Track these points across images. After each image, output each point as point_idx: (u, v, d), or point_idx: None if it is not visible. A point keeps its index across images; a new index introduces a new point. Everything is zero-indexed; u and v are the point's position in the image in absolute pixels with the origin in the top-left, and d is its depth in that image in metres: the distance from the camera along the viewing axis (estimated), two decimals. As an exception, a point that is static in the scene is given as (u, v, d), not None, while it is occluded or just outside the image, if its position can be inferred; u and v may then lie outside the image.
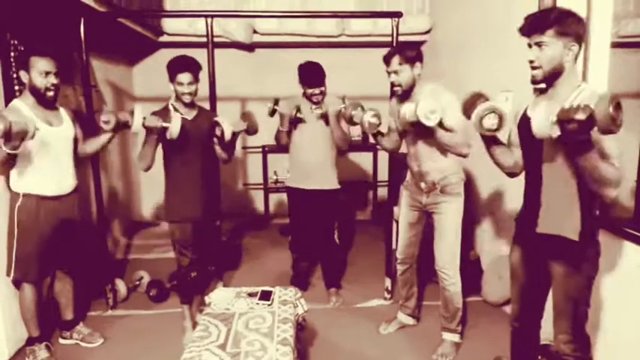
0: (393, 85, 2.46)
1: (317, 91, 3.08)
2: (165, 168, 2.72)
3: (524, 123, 1.82)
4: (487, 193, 3.46)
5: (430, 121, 2.14)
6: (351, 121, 2.68)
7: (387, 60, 2.43)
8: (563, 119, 1.43)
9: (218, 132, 2.60)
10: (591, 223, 1.71)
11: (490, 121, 1.75)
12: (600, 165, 1.51)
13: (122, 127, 2.51)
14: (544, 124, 1.49)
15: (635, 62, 2.56)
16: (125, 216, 4.82)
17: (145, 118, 2.44)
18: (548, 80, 1.70)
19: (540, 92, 1.80)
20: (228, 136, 2.60)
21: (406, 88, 2.43)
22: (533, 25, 1.66)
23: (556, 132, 1.47)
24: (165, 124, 2.44)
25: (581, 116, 1.38)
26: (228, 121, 2.63)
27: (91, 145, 2.69)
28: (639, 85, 2.45)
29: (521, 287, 1.98)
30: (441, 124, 2.21)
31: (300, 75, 3.13)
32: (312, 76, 3.09)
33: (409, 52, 2.41)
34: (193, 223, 2.71)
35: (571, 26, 1.62)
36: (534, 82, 1.73)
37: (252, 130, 2.78)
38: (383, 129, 2.64)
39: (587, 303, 1.79)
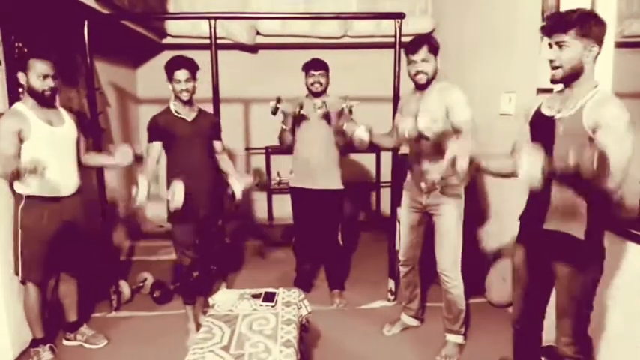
0: (417, 73, 2.42)
1: (316, 73, 3.10)
2: (167, 169, 2.72)
3: (538, 119, 1.82)
4: (491, 193, 3.46)
5: (431, 131, 2.21)
6: (342, 133, 2.78)
7: (414, 48, 2.40)
8: (551, 172, 1.50)
9: (229, 192, 2.71)
10: (597, 224, 1.71)
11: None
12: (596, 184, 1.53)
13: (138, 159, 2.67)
14: (534, 174, 1.52)
15: (639, 62, 2.55)
16: (129, 217, 4.82)
17: (149, 187, 2.48)
18: (566, 80, 1.71)
19: (558, 91, 1.80)
20: (238, 196, 2.71)
21: (430, 78, 2.43)
22: (556, 25, 1.68)
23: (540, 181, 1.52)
24: (168, 198, 2.48)
25: (567, 171, 1.45)
26: (239, 181, 2.71)
27: (94, 160, 2.74)
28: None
29: (523, 288, 1.98)
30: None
31: (304, 67, 3.18)
32: (314, 61, 3.15)
33: (435, 43, 2.44)
34: (195, 224, 2.71)
35: (592, 28, 1.63)
36: (553, 81, 1.73)
37: (262, 186, 2.85)
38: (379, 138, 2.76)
39: (590, 305, 1.78)
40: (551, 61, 1.70)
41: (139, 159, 2.71)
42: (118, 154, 2.63)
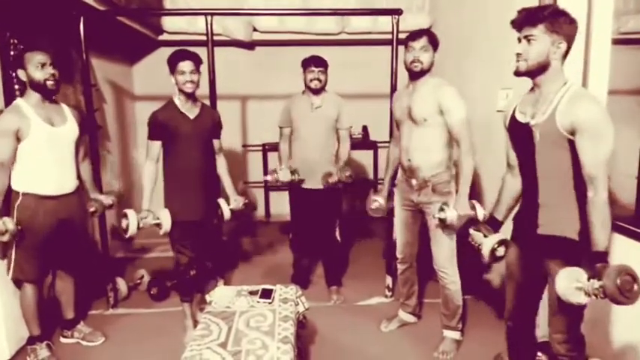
0: (413, 61, 2.43)
1: (316, 69, 3.10)
2: (164, 167, 2.71)
3: (514, 125, 1.82)
4: (487, 191, 3.46)
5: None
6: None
7: (415, 36, 2.44)
8: (588, 293, 1.50)
9: (219, 212, 2.86)
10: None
11: (501, 252, 1.92)
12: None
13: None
14: (569, 290, 1.53)
15: (636, 58, 2.55)
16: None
17: (140, 220, 2.56)
18: (531, 74, 1.72)
19: (529, 89, 1.80)
20: (227, 217, 2.88)
21: (425, 69, 2.44)
22: (526, 18, 1.68)
23: (583, 299, 1.53)
24: (157, 222, 2.59)
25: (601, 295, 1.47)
26: (227, 206, 2.87)
27: (84, 174, 2.72)
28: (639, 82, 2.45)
29: (516, 286, 1.98)
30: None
31: (303, 62, 3.17)
32: (314, 57, 3.14)
33: (436, 37, 2.47)
34: (192, 222, 2.70)
35: (562, 25, 1.64)
36: (517, 73, 1.74)
37: (251, 207, 2.92)
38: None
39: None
40: (518, 55, 1.70)
41: (109, 207, 2.82)
42: (103, 197, 2.77)
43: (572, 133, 1.60)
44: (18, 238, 2.37)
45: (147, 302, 3.30)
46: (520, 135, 1.79)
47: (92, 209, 2.70)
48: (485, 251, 1.91)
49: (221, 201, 2.86)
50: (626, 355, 2.18)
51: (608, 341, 2.26)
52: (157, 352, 2.67)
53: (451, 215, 2.30)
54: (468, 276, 2.76)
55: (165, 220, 2.58)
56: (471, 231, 1.99)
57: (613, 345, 2.24)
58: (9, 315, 2.56)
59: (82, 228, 2.71)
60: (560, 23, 1.63)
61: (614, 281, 1.42)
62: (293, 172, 3.17)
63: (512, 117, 1.83)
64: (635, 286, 1.45)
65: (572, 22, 1.66)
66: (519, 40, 1.71)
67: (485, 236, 1.94)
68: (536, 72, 1.70)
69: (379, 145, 5.00)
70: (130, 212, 2.55)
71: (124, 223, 2.56)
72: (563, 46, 1.65)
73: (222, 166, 2.92)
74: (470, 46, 3.69)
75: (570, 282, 1.53)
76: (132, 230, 2.53)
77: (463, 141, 2.37)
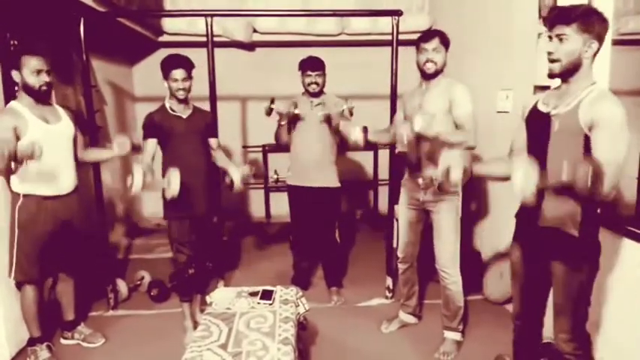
0: (426, 62, 2.46)
1: (313, 74, 3.10)
2: (162, 166, 2.72)
3: (534, 114, 1.82)
4: (489, 190, 3.46)
5: (429, 130, 2.28)
6: (338, 133, 2.89)
7: (427, 37, 2.47)
8: (544, 187, 1.52)
9: (228, 181, 2.67)
10: (592, 220, 1.72)
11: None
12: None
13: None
14: (528, 190, 1.53)
15: (636, 60, 2.55)
16: (126, 216, 4.82)
17: (145, 176, 2.42)
18: (564, 75, 1.70)
19: (555, 88, 1.80)
20: (237, 184, 2.64)
21: (438, 69, 2.47)
22: (559, 17, 1.68)
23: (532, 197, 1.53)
24: (164, 186, 2.45)
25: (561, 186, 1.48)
26: (237, 170, 2.66)
27: (92, 155, 2.74)
28: (639, 83, 2.45)
29: (522, 285, 1.98)
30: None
31: (300, 65, 3.17)
32: (311, 61, 3.14)
33: (447, 37, 2.50)
34: (191, 220, 2.72)
35: (595, 25, 1.63)
36: (551, 75, 1.72)
37: (259, 176, 2.86)
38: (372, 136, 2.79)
39: (588, 301, 1.79)
40: (549, 53, 1.69)
41: (136, 148, 2.69)
42: (115, 145, 2.64)
43: (591, 128, 1.60)
44: (20, 240, 2.38)
45: (147, 304, 3.29)
46: (538, 124, 1.79)
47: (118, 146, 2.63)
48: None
49: (231, 168, 2.69)
50: (620, 355, 2.19)
51: (604, 341, 2.26)
52: (157, 354, 2.67)
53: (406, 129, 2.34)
54: (470, 277, 2.75)
55: (174, 181, 2.42)
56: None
57: (608, 345, 2.24)
58: (9, 316, 2.56)
59: (82, 229, 2.71)
60: (593, 23, 1.62)
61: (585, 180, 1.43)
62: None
63: (534, 108, 1.84)
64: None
65: (605, 21, 1.64)
66: (550, 38, 1.70)
67: None
68: (568, 73, 1.69)
69: (379, 146, 4.99)
70: (136, 168, 2.42)
71: (129, 179, 2.42)
72: (595, 45, 1.64)
73: (221, 158, 2.87)
74: (469, 47, 3.70)
75: (527, 180, 1.53)
76: (137, 186, 2.39)
77: (467, 126, 2.41)
